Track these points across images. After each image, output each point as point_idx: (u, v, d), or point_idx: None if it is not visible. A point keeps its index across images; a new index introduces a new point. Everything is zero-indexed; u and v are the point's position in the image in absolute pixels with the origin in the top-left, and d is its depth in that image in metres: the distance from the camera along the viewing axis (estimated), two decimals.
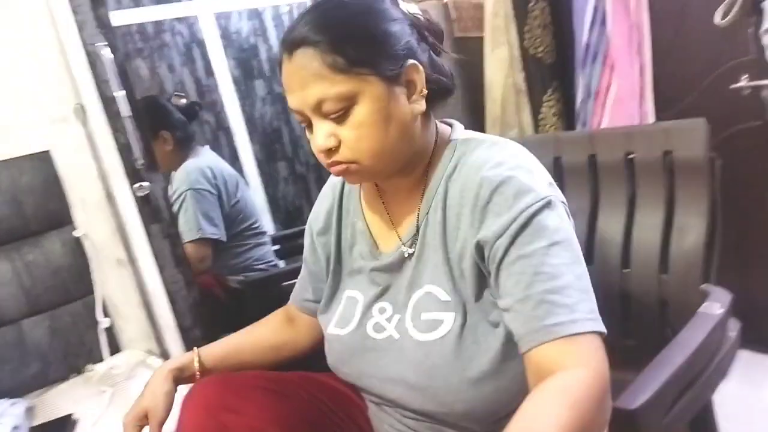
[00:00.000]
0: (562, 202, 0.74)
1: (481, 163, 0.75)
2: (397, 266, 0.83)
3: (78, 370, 1.46)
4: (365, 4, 0.75)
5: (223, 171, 2.01)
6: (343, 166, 0.76)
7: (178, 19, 2.84)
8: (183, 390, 0.90)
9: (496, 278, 0.71)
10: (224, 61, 2.84)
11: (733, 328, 0.93)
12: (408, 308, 0.80)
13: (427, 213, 0.80)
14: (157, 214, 1.52)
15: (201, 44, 2.86)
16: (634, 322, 1.10)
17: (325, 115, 0.73)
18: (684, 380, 0.79)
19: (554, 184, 0.76)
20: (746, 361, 1.72)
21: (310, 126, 0.76)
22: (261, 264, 2.07)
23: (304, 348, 1.01)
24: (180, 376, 0.91)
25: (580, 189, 1.19)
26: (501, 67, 1.99)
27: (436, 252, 0.78)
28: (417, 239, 0.80)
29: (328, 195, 0.95)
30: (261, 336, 1.01)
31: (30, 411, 1.29)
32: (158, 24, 2.82)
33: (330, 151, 0.75)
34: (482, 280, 0.75)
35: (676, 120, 1.09)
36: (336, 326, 0.88)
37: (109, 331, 1.51)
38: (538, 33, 1.91)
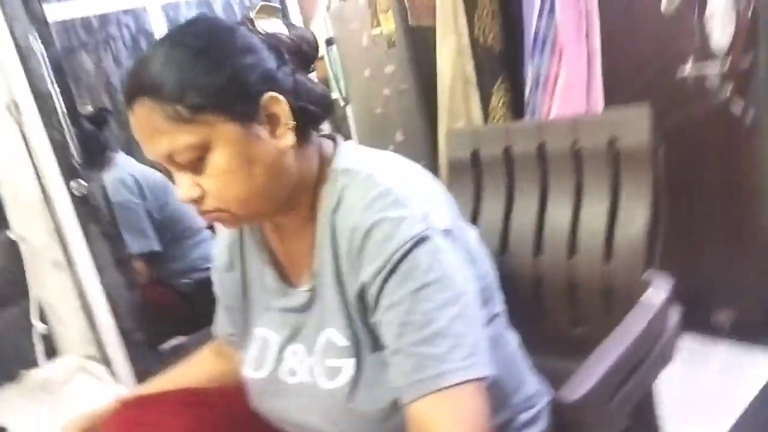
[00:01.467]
0: (444, 230, 0.67)
1: (355, 204, 0.68)
2: (305, 306, 0.77)
3: (12, 377, 1.40)
4: (208, 37, 0.67)
5: (146, 176, 1.91)
6: (214, 215, 0.70)
7: (125, 11, 2.75)
8: None
9: (377, 328, 0.68)
10: None
11: (674, 315, 0.94)
12: (315, 353, 0.75)
13: (325, 248, 0.73)
14: (95, 213, 1.46)
15: (149, 36, 2.78)
16: (582, 310, 1.10)
17: (182, 167, 0.67)
18: (625, 370, 0.78)
19: (436, 209, 0.69)
20: (689, 344, 1.77)
21: (171, 175, 0.70)
22: (206, 263, 2.01)
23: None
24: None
25: (530, 179, 1.18)
26: (450, 57, 1.98)
27: (333, 293, 0.72)
28: (317, 278, 0.75)
29: (226, 234, 0.89)
30: (196, 375, 0.97)
31: None
32: (104, 17, 2.73)
33: (196, 202, 0.69)
34: (369, 328, 0.70)
35: (621, 108, 1.09)
36: (250, 368, 0.84)
37: (47, 336, 1.46)
38: (487, 21, 1.90)
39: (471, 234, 0.78)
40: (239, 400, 0.87)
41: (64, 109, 1.42)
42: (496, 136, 1.23)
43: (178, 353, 1.58)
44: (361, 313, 0.70)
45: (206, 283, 1.80)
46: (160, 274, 1.89)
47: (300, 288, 0.77)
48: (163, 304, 1.80)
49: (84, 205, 1.44)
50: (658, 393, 0.98)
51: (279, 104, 0.68)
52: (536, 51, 1.80)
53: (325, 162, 0.75)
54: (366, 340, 0.71)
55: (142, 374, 1.54)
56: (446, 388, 0.61)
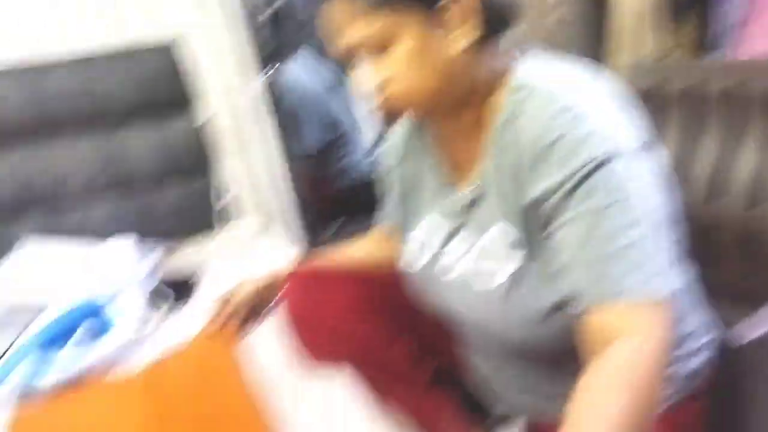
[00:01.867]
0: (630, 150, 0.67)
1: (534, 118, 0.70)
2: (466, 208, 0.81)
3: (205, 232, 1.62)
4: None
5: (314, 79, 1.98)
6: (390, 103, 0.75)
7: None
8: None
9: (552, 235, 0.69)
10: None
11: None
12: (473, 252, 0.80)
13: (490, 157, 0.76)
14: (279, 100, 1.59)
15: None
16: (756, 262, 1.05)
17: (368, 53, 0.73)
18: None
19: (622, 128, 0.69)
20: None
21: (355, 64, 0.76)
22: (363, 167, 2.11)
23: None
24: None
25: (718, 120, 1.11)
26: None
27: (501, 197, 0.75)
28: (482, 183, 0.78)
29: (400, 130, 0.95)
30: (359, 255, 1.06)
31: (158, 265, 1.42)
32: None
33: (376, 89, 0.75)
34: (543, 231, 0.72)
35: None
36: (409, 261, 0.91)
37: (235, 201, 1.65)
38: None
39: (661, 157, 0.78)
40: (403, 283, 0.95)
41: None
42: (687, 72, 1.16)
43: (342, 234, 1.73)
44: (527, 223, 0.73)
45: (365, 185, 1.93)
46: (318, 173, 2.03)
47: (462, 191, 0.82)
48: (326, 196, 1.96)
49: (270, 93, 1.58)
50: None
51: (462, 4, 0.70)
52: None
53: (504, 72, 0.76)
54: (529, 245, 0.73)
55: (314, 244, 1.75)
56: (628, 303, 0.62)
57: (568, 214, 0.66)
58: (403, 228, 0.96)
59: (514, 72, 0.76)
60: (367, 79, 0.75)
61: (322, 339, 0.93)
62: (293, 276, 0.98)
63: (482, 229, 0.78)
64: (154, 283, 1.31)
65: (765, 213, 1.03)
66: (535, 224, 0.72)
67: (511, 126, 0.72)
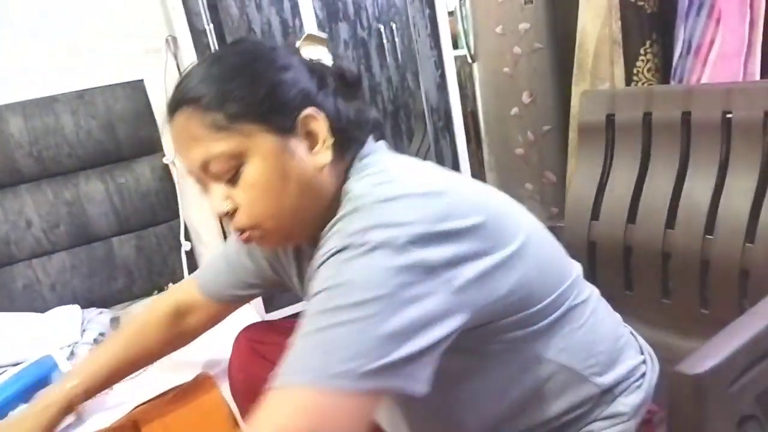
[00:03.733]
0: (407, 240, 0.56)
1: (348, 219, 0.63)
2: None
3: (160, 288, 1.58)
4: (250, 54, 0.69)
5: None
6: (246, 234, 0.69)
7: None
8: None
9: None
10: (309, 2, 2.84)
11: None
12: None
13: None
14: None
15: None
16: (712, 291, 1.05)
17: (216, 177, 0.66)
18: (757, 350, 0.75)
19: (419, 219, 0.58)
20: None
21: (206, 188, 0.69)
22: None
23: (197, 334, 1.01)
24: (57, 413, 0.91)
25: (670, 147, 1.12)
26: (598, 15, 1.88)
27: None
28: None
29: None
30: (143, 350, 0.98)
31: (115, 321, 1.40)
32: None
33: (228, 216, 0.68)
34: None
35: None
36: None
37: (190, 254, 1.62)
38: None
39: (519, 231, 0.68)
40: None
41: (217, 46, 1.53)
42: (636, 100, 1.17)
43: None
44: None
45: None
46: None
47: None
48: None
49: None
50: None
51: (317, 121, 0.68)
52: (691, 13, 1.67)
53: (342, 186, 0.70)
54: None
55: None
56: (277, 386, 0.56)
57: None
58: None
59: (350, 178, 0.71)
60: (217, 204, 0.67)
61: None
62: (237, 342, 0.95)
63: None
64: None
65: (722, 238, 1.02)
66: None
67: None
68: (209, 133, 0.65)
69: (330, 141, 0.68)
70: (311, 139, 0.68)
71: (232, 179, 0.66)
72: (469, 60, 2.64)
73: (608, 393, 0.77)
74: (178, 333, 0.99)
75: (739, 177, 1.02)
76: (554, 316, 0.71)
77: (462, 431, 0.75)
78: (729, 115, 1.04)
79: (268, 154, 0.65)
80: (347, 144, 0.71)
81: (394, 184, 0.64)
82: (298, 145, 0.67)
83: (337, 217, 0.63)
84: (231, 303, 0.98)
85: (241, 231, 0.69)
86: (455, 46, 2.33)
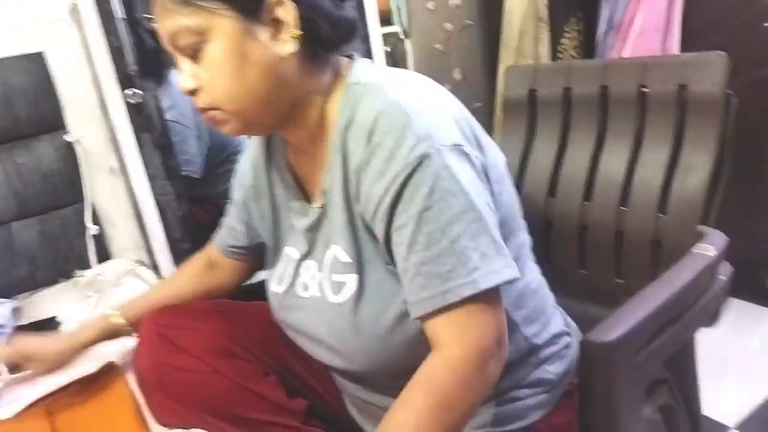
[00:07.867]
0: (451, 146, 0.65)
1: (364, 120, 0.67)
2: (316, 223, 0.78)
3: (66, 275, 1.47)
4: None
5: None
6: (208, 114, 0.70)
7: None
8: None
9: (389, 246, 0.68)
10: None
11: (725, 272, 0.89)
12: (324, 268, 0.76)
13: (335, 166, 0.72)
14: (148, 123, 1.48)
15: None
16: (627, 261, 1.06)
17: (182, 52, 0.68)
18: (663, 317, 0.75)
19: (444, 124, 0.66)
20: (739, 309, 1.71)
21: (177, 64, 0.71)
22: None
23: (229, 291, 1.01)
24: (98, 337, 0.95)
25: (588, 122, 1.12)
26: None
27: (340, 210, 0.72)
28: (327, 197, 0.75)
29: (254, 146, 0.90)
30: (181, 288, 1.00)
31: (17, 311, 1.30)
32: None
33: (193, 94, 0.70)
34: (381, 241, 0.69)
35: (696, 53, 1.01)
36: (274, 283, 0.86)
37: (99, 239, 1.52)
38: None
39: (497, 157, 0.75)
40: (265, 312, 0.90)
41: (124, 15, 1.43)
42: (556, 75, 1.17)
43: None
44: (368, 231, 0.70)
45: None
46: (203, 194, 1.91)
47: (313, 206, 0.78)
48: (206, 221, 1.84)
49: (138, 114, 1.46)
50: (697, 350, 0.95)
51: (285, 8, 0.66)
52: None
53: (339, 78, 0.74)
54: (372, 257, 0.71)
55: None
56: (452, 305, 0.62)
57: (396, 222, 0.65)
58: (268, 254, 0.91)
59: (350, 72, 0.74)
60: (182, 80, 0.69)
61: (173, 403, 0.84)
62: (144, 326, 0.89)
63: (327, 244, 0.76)
64: (9, 332, 1.18)
65: (636, 209, 1.04)
66: (369, 239, 0.71)
67: (351, 127, 0.69)
68: (177, 7, 0.66)
69: (297, 33, 0.67)
70: (277, 27, 0.67)
71: (197, 57, 0.67)
72: (402, 36, 2.60)
73: (534, 354, 0.79)
74: (210, 288, 1.00)
75: (652, 150, 1.03)
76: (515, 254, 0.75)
77: None
78: (645, 89, 1.05)
79: (230, 34, 0.66)
80: (318, 41, 0.70)
81: (411, 94, 0.67)
82: (263, 31, 0.67)
83: (376, 139, 0.65)
84: (236, 258, 0.98)
85: (204, 110, 0.70)
86: (389, 22, 2.28)
